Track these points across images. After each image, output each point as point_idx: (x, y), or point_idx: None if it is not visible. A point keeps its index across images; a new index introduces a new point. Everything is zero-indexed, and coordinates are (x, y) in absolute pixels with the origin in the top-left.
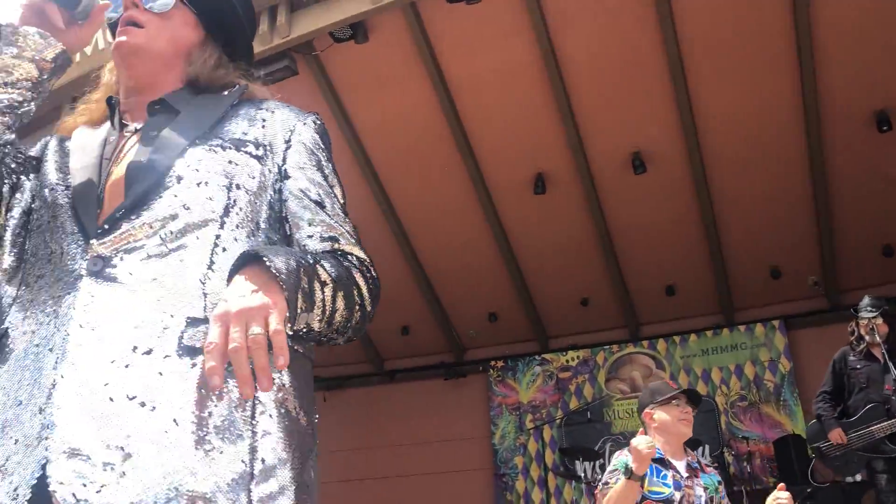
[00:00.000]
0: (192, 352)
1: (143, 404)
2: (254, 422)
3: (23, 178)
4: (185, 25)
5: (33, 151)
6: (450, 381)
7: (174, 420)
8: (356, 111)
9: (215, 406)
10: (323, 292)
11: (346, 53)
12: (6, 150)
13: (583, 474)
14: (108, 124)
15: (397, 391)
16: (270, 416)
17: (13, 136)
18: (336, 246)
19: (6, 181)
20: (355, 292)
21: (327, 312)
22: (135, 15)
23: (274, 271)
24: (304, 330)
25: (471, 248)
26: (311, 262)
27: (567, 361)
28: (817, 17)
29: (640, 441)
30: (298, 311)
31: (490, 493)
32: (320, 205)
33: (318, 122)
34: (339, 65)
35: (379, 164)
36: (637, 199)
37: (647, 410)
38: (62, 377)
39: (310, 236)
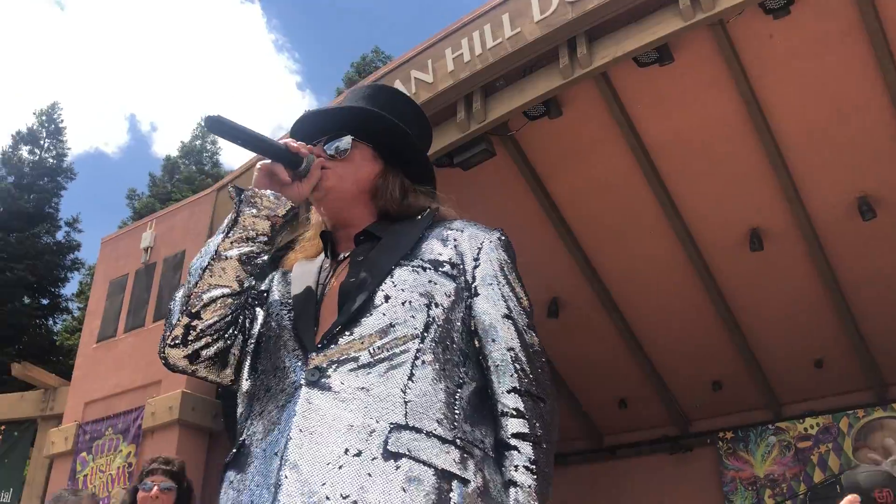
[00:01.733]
0: (395, 455)
1: (355, 502)
2: None
3: (258, 310)
4: (364, 161)
5: (262, 286)
6: (675, 455)
7: None
8: (554, 183)
9: (419, 501)
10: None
11: (541, 129)
12: (249, 294)
13: None
14: (321, 256)
15: (619, 468)
16: None
17: (254, 281)
18: (518, 407)
19: (248, 318)
20: (550, 432)
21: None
22: (324, 164)
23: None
24: None
25: (686, 313)
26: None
27: (805, 430)
28: None
29: None
30: None
31: None
32: (509, 317)
33: (503, 237)
34: (535, 141)
35: (580, 233)
36: (868, 248)
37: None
38: (286, 478)
39: (500, 384)
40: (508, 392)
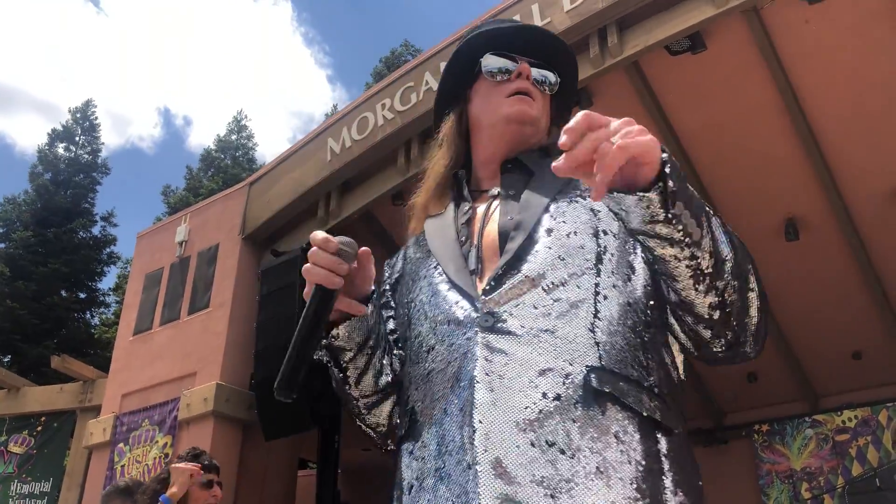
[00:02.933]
0: (600, 398)
1: (562, 451)
2: (663, 467)
3: (390, 298)
4: (548, 103)
5: (395, 274)
6: (710, 447)
7: (597, 468)
8: None
9: (630, 452)
10: (708, 217)
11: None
12: (393, 369)
13: None
14: (450, 207)
15: None
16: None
17: (391, 376)
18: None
19: (382, 325)
20: (749, 265)
21: (716, 250)
22: (529, 87)
23: (667, 157)
24: (679, 249)
25: None
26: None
27: (843, 422)
28: None
29: None
30: (671, 199)
31: None
32: None
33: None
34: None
35: None
36: None
37: None
38: (477, 427)
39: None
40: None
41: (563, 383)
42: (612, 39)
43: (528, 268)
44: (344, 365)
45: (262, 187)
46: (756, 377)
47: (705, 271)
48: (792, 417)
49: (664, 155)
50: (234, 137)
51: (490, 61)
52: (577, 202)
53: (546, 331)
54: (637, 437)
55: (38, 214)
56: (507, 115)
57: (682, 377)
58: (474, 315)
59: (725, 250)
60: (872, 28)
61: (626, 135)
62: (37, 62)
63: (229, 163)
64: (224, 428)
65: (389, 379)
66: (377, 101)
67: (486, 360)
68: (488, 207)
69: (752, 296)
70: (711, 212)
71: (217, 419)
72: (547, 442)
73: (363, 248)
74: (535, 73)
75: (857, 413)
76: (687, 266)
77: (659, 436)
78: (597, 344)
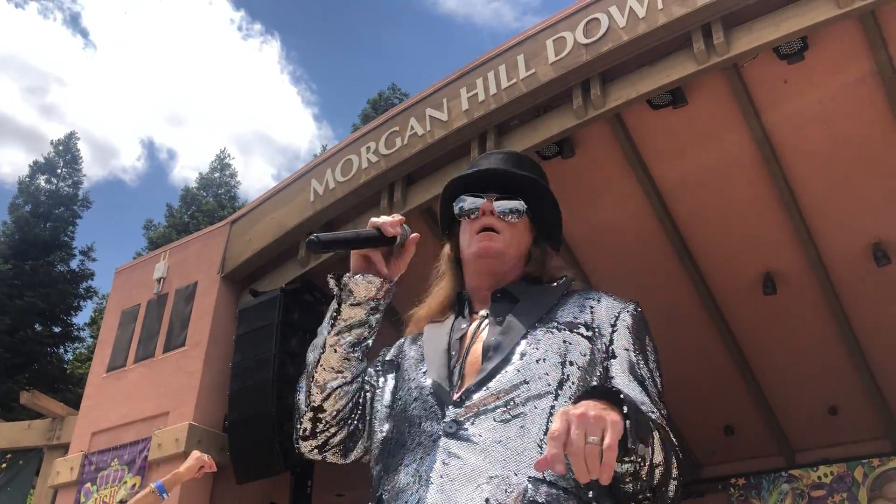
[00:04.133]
0: None
1: None
2: None
3: (383, 379)
4: (525, 229)
5: (390, 355)
6: (686, 500)
7: None
8: (567, 225)
9: None
10: (652, 437)
11: (554, 170)
12: (364, 375)
13: None
14: (450, 317)
15: None
16: None
17: (365, 363)
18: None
19: (369, 392)
20: (673, 460)
21: (652, 461)
22: (493, 223)
23: (619, 394)
24: (630, 468)
25: (698, 356)
26: (646, 410)
27: (819, 478)
28: None
29: None
30: (632, 439)
31: None
32: (642, 383)
33: (639, 309)
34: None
35: (591, 274)
36: (883, 294)
37: None
38: None
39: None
40: None
41: (506, 491)
42: (595, 91)
43: (495, 385)
44: (337, 323)
45: (243, 226)
46: (733, 430)
47: (643, 478)
48: (768, 472)
49: (627, 423)
50: (216, 175)
51: (462, 203)
52: (552, 333)
53: (499, 442)
54: None
55: (17, 247)
56: (474, 252)
57: None
58: (441, 421)
59: (659, 458)
60: (849, 89)
61: (597, 422)
62: (22, 92)
63: (211, 200)
64: None
65: (352, 425)
66: (362, 144)
67: (444, 463)
68: (478, 328)
69: (672, 485)
70: (653, 426)
71: None
72: None
73: (414, 234)
74: (500, 206)
75: (832, 469)
76: (629, 474)
77: None
78: None
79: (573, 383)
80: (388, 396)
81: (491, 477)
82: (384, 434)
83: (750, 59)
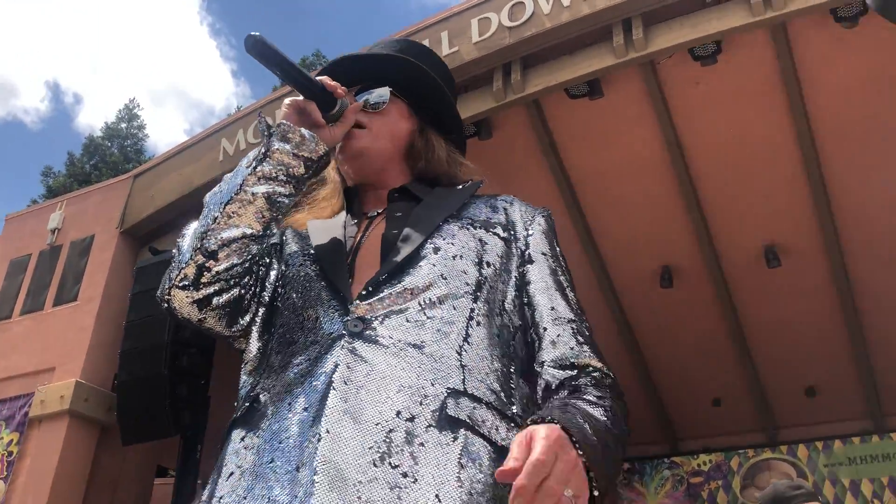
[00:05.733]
0: (454, 424)
1: (405, 475)
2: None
3: (272, 261)
4: (401, 116)
5: (274, 238)
6: None
7: (436, 496)
8: None
9: (476, 482)
10: (614, 467)
11: (470, 150)
12: (268, 240)
13: None
14: (342, 214)
15: None
16: None
17: (276, 227)
18: (587, 364)
19: (263, 267)
20: (622, 445)
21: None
22: (359, 118)
23: (579, 445)
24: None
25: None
26: (603, 437)
27: (699, 465)
28: None
29: None
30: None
31: None
32: (563, 291)
33: (552, 217)
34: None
35: None
36: (772, 295)
37: None
38: (323, 436)
39: (556, 359)
40: (568, 367)
41: (421, 403)
42: (516, 76)
43: (409, 280)
44: (263, 165)
45: (147, 181)
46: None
47: None
48: (653, 458)
49: (592, 475)
50: (123, 126)
51: None
52: (467, 229)
53: (414, 346)
54: (486, 465)
55: None
56: (339, 151)
57: None
58: (345, 318)
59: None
60: (755, 94)
61: (562, 474)
62: None
63: (116, 152)
64: (79, 428)
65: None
66: (277, 107)
67: (348, 367)
68: (370, 224)
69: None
70: (611, 441)
71: (73, 419)
72: (391, 464)
73: (356, 103)
74: (361, 98)
75: (711, 458)
76: None
77: None
78: (462, 367)
79: (490, 287)
80: (273, 283)
81: (404, 386)
82: (267, 330)
83: (666, 58)
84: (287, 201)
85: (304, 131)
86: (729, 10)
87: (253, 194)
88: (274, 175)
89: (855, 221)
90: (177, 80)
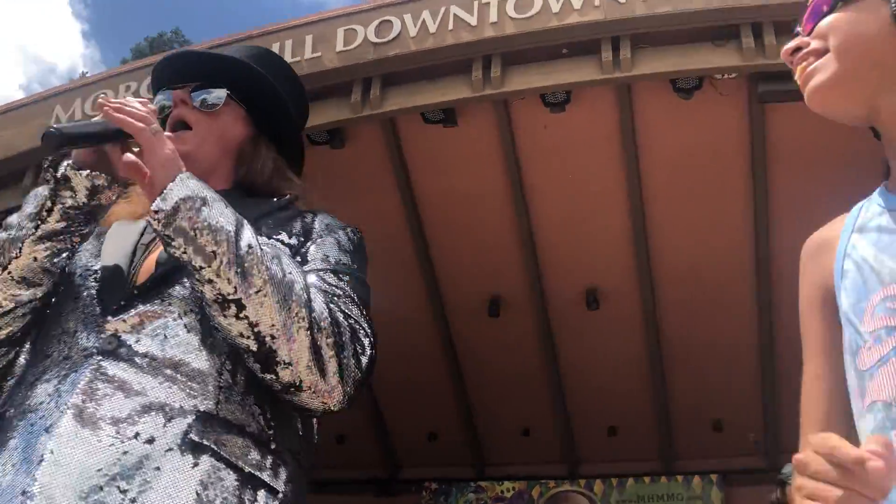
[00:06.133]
0: (195, 450)
1: (133, 500)
2: None
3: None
4: (235, 122)
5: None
6: (379, 498)
7: None
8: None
9: None
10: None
11: (321, 158)
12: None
13: None
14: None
15: (323, 503)
16: None
17: (68, 261)
18: (337, 285)
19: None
20: (301, 308)
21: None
22: (184, 114)
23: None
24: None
25: (419, 362)
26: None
27: (502, 492)
28: (774, 178)
29: None
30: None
31: None
32: (336, 264)
33: (359, 234)
34: (309, 167)
35: None
36: (588, 336)
37: None
38: (51, 453)
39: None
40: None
41: (164, 425)
42: (375, 92)
43: (169, 294)
44: (44, 226)
45: None
46: (437, 437)
47: (228, 297)
48: (460, 480)
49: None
50: None
51: (157, 99)
52: None
53: (171, 364)
54: (230, 494)
55: None
56: None
57: (315, 437)
58: (99, 335)
59: (258, 281)
60: (596, 147)
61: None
62: None
63: None
64: None
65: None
66: (121, 82)
67: (91, 385)
68: None
69: (301, 331)
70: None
71: None
72: (119, 488)
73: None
74: (195, 95)
75: (515, 485)
76: (209, 291)
77: (260, 495)
78: (220, 388)
79: None
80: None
81: (149, 406)
82: (32, 343)
83: (519, 98)
84: (76, 248)
85: (90, 178)
86: (581, 64)
87: (35, 256)
88: (56, 232)
89: (669, 276)
90: (19, 31)
